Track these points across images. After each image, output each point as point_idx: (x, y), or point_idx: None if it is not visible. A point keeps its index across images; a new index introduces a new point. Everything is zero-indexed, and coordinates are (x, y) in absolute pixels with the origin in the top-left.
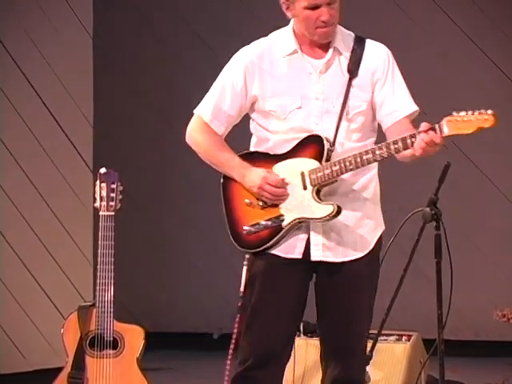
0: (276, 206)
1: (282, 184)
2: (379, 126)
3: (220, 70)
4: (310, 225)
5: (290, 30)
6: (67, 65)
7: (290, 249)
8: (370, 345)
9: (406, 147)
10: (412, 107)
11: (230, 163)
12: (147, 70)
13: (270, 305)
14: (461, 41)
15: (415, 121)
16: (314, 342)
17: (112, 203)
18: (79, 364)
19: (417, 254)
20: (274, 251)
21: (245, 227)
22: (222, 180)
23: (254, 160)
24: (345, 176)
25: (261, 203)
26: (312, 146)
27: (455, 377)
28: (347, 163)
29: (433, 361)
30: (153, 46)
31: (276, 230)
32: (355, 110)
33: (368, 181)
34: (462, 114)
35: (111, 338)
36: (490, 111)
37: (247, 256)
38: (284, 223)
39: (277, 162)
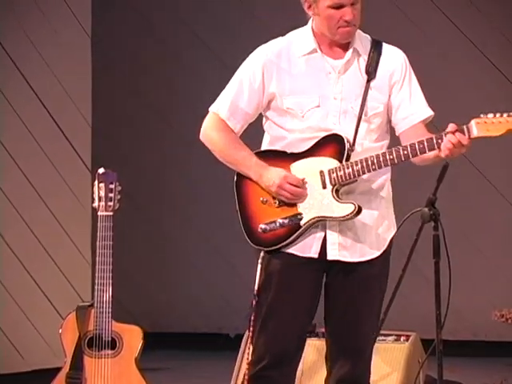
0: (293, 204)
1: (302, 184)
2: (392, 129)
3: (220, 70)
4: (327, 224)
5: (309, 29)
6: (66, 66)
7: (306, 248)
8: None
9: (432, 148)
10: (428, 112)
11: (246, 162)
12: (146, 70)
13: (286, 304)
14: (460, 42)
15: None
16: (313, 342)
17: (110, 203)
18: (77, 364)
19: (415, 254)
20: (291, 250)
21: (261, 225)
22: (235, 178)
23: (270, 158)
24: (364, 175)
25: (277, 202)
26: (332, 145)
27: (453, 377)
28: (370, 163)
29: (431, 361)
30: (152, 46)
31: (293, 229)
32: (373, 111)
33: (384, 180)
34: (490, 115)
35: (109, 338)
36: None
37: (262, 254)
38: (302, 222)
39: (294, 161)
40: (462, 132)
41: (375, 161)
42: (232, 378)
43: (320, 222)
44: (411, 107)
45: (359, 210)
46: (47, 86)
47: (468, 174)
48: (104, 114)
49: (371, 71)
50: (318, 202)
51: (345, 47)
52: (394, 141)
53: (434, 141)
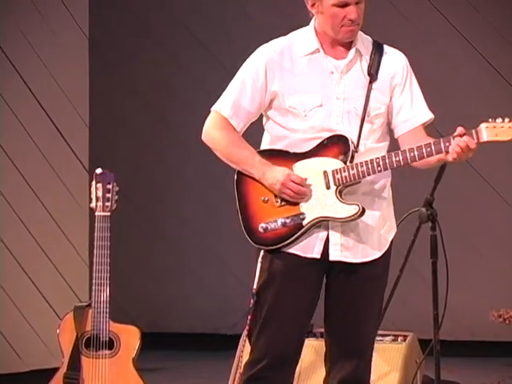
0: (295, 204)
1: (305, 182)
2: (391, 131)
3: (218, 71)
4: (329, 224)
5: (312, 29)
6: (64, 66)
7: (308, 248)
8: None
9: (439, 151)
10: (429, 115)
11: (249, 161)
12: (144, 70)
13: (288, 305)
14: (457, 41)
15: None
16: (311, 343)
17: (108, 204)
18: (75, 364)
19: (413, 254)
20: (293, 250)
21: (262, 224)
22: (235, 177)
23: (273, 157)
24: (367, 178)
25: (279, 201)
26: (336, 145)
27: (451, 377)
28: (375, 164)
29: (428, 361)
30: (149, 47)
31: (295, 228)
32: (375, 111)
33: (386, 181)
34: (499, 120)
35: (107, 339)
36: None
37: (262, 254)
38: (305, 221)
39: (297, 161)
40: (471, 136)
41: (381, 162)
42: (230, 378)
43: (322, 223)
44: (412, 110)
45: (363, 211)
46: (45, 86)
47: (465, 175)
48: (101, 115)
49: (373, 72)
50: (321, 203)
51: (347, 47)
52: (392, 143)
53: (442, 144)
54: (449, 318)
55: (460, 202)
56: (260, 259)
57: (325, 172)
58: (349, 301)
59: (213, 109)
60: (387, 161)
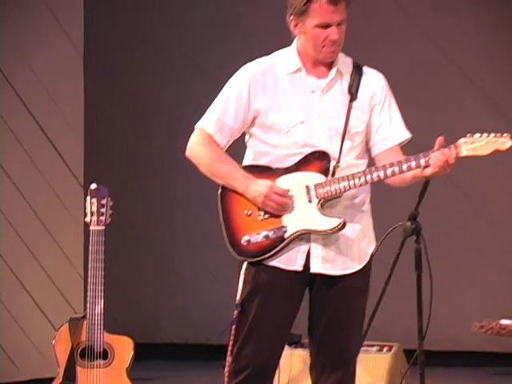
0: (277, 217)
1: (287, 194)
2: (368, 149)
3: (209, 88)
4: (311, 237)
5: (294, 49)
6: (59, 84)
7: (291, 261)
8: None
9: (418, 166)
10: (406, 134)
11: (232, 175)
12: (138, 87)
13: (271, 317)
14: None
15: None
16: (299, 353)
17: (102, 218)
18: (70, 374)
19: (398, 266)
20: (275, 263)
21: (245, 236)
22: (219, 191)
23: (256, 173)
24: (348, 192)
25: (261, 214)
26: (317, 161)
27: None
28: (356, 179)
29: (413, 371)
30: (144, 64)
31: (278, 241)
32: (355, 129)
33: (366, 195)
34: (477, 135)
35: (101, 349)
36: (506, 134)
37: (245, 266)
38: (287, 234)
39: (280, 176)
40: (449, 150)
41: (362, 177)
42: None
43: (304, 236)
44: (390, 130)
45: (344, 224)
46: (40, 103)
47: (448, 191)
48: (96, 132)
49: (353, 92)
50: (303, 216)
51: (328, 67)
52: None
53: (421, 159)
54: (433, 329)
55: (443, 217)
56: (243, 272)
57: (307, 186)
58: (331, 313)
59: (197, 126)
60: (368, 175)
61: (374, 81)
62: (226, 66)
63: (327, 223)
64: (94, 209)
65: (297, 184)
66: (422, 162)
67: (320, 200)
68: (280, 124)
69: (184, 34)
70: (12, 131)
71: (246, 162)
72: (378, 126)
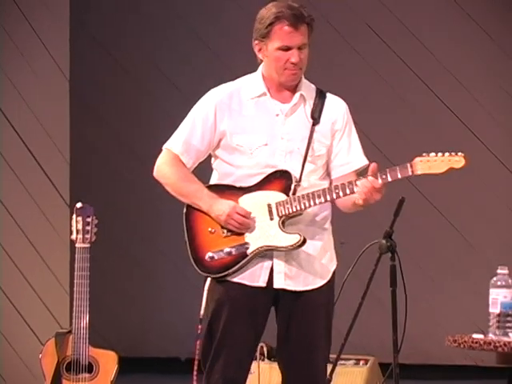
0: (240, 234)
1: (249, 215)
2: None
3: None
4: (274, 254)
5: (259, 74)
6: (46, 106)
7: (254, 277)
8: (329, 369)
9: (345, 193)
10: (363, 161)
11: (198, 194)
12: (122, 110)
13: (238, 333)
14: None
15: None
16: (277, 367)
17: (87, 236)
18: None
19: (373, 282)
20: (240, 280)
21: (208, 253)
22: (184, 210)
23: (220, 191)
24: (309, 210)
25: (225, 231)
26: (279, 180)
27: None
28: (316, 196)
29: (389, 383)
30: (127, 87)
31: (240, 257)
32: (317, 152)
33: (327, 214)
34: (432, 154)
35: (86, 363)
36: (460, 153)
37: (208, 282)
38: (249, 251)
39: (243, 194)
40: (405, 169)
41: (321, 194)
42: None
43: (267, 253)
44: (348, 156)
45: (304, 241)
46: (28, 125)
47: (423, 210)
48: (81, 152)
49: (316, 117)
50: (264, 233)
51: (292, 92)
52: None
53: (348, 187)
54: (407, 343)
55: (417, 235)
56: (206, 287)
57: (269, 204)
58: (296, 328)
59: (164, 147)
60: (327, 192)
61: (335, 108)
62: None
63: (288, 240)
64: (80, 227)
65: (259, 202)
66: (347, 191)
67: (281, 217)
68: (244, 146)
69: (161, 54)
70: (1, 154)
71: (212, 182)
72: (337, 152)
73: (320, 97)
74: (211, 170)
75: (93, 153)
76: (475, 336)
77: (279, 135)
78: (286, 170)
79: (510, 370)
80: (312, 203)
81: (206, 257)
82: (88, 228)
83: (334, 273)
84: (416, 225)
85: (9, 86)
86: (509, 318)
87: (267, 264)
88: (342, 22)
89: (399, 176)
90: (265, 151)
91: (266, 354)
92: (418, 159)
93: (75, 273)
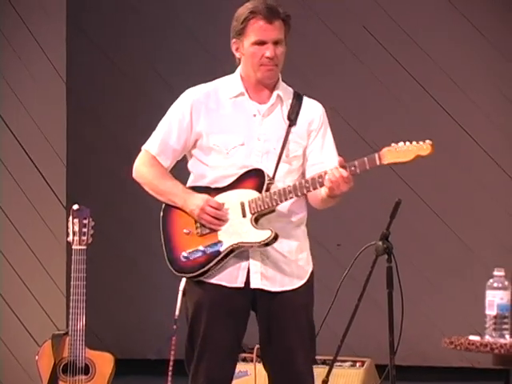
0: (214, 233)
1: (222, 207)
2: None
3: None
4: (250, 254)
5: (237, 74)
6: (43, 109)
7: (232, 278)
8: (326, 370)
9: (315, 187)
10: (336, 162)
11: (173, 190)
12: (118, 112)
13: (220, 334)
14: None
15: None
16: None
17: (84, 238)
18: None
19: (370, 284)
20: (218, 281)
21: (183, 253)
22: (161, 213)
23: (195, 192)
24: (284, 209)
25: (199, 231)
26: (252, 178)
27: None
28: (287, 191)
29: None
30: (123, 89)
31: (213, 255)
32: (293, 153)
33: (303, 216)
34: (401, 144)
35: (83, 365)
36: (427, 141)
37: (183, 283)
38: (222, 248)
39: (217, 194)
40: (373, 160)
41: (292, 190)
42: None
43: (244, 253)
44: (321, 156)
45: (276, 237)
46: (25, 127)
47: (419, 211)
48: (78, 154)
49: (292, 119)
50: (237, 230)
51: (270, 92)
52: None
53: (318, 180)
54: (404, 345)
55: (414, 237)
56: (181, 289)
57: (242, 202)
58: (277, 330)
59: (143, 148)
60: (298, 187)
61: (313, 109)
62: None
63: (259, 236)
64: (76, 229)
65: (232, 201)
66: (317, 185)
67: (253, 214)
68: (221, 145)
69: (158, 55)
70: None
71: (188, 185)
72: (311, 151)
73: (297, 99)
74: (189, 172)
75: (89, 154)
76: (472, 338)
77: (256, 136)
78: (259, 169)
79: (506, 372)
80: (283, 199)
81: (181, 257)
82: (84, 230)
83: (312, 274)
84: (412, 227)
85: (5, 89)
86: (505, 320)
87: (244, 265)
88: (338, 24)
89: (367, 167)
90: (241, 151)
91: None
92: (385, 149)
93: (72, 274)
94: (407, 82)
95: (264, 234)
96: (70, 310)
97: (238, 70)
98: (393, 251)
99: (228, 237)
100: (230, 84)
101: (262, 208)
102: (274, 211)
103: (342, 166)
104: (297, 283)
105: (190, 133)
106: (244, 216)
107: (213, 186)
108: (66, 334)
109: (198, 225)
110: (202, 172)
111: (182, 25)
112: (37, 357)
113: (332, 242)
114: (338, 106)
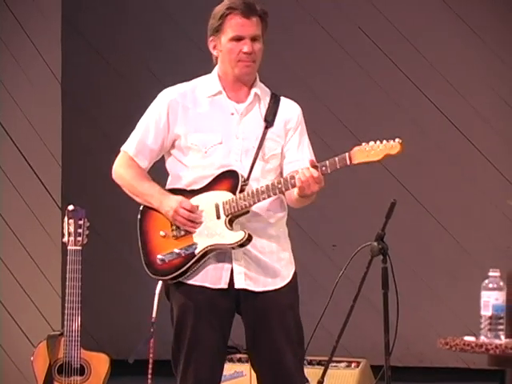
0: (189, 235)
1: (196, 210)
2: None
3: None
4: (232, 255)
5: (215, 73)
6: (38, 110)
7: (216, 280)
8: (321, 371)
9: (287, 188)
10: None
11: (149, 191)
12: (114, 113)
13: (206, 336)
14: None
15: None
16: None
17: (79, 238)
18: None
19: (365, 285)
20: (202, 283)
21: (158, 256)
22: (139, 216)
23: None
24: (262, 210)
25: (175, 233)
26: (227, 179)
27: None
28: (260, 193)
29: None
30: (118, 90)
31: (189, 257)
32: (271, 152)
33: (283, 215)
34: (371, 143)
35: (78, 365)
36: (397, 139)
37: (159, 286)
38: (197, 250)
39: (192, 197)
40: (343, 161)
41: (265, 190)
42: None
43: (226, 255)
44: (297, 154)
45: (249, 238)
46: (20, 128)
47: (414, 212)
48: (73, 155)
49: (269, 120)
50: (211, 232)
51: (248, 91)
52: None
53: (291, 180)
54: (399, 346)
55: (409, 237)
56: (158, 292)
57: (216, 204)
58: (262, 331)
59: (121, 149)
60: (270, 187)
61: (290, 109)
62: None
63: (233, 237)
64: (72, 229)
65: (207, 203)
66: (289, 185)
67: (228, 216)
68: (199, 144)
69: (153, 56)
70: None
71: (166, 187)
72: (287, 149)
73: (275, 100)
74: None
75: (85, 155)
76: (467, 338)
77: (234, 134)
78: (234, 170)
79: (501, 373)
80: (256, 200)
81: (157, 260)
82: (80, 230)
83: (295, 274)
84: (408, 227)
85: (3, 92)
86: (500, 321)
87: (227, 266)
88: (334, 26)
89: (338, 166)
90: (220, 150)
91: None
92: (356, 148)
93: (67, 275)
94: (405, 85)
95: (238, 236)
96: (66, 311)
97: (216, 69)
98: (388, 252)
99: (203, 239)
100: (207, 83)
101: (236, 209)
102: (248, 212)
103: (313, 166)
104: (279, 283)
105: (167, 133)
106: (218, 218)
107: (188, 189)
108: (62, 334)
109: (174, 227)
110: (179, 173)
111: (176, 25)
112: (32, 357)
113: (327, 243)
114: (334, 107)
